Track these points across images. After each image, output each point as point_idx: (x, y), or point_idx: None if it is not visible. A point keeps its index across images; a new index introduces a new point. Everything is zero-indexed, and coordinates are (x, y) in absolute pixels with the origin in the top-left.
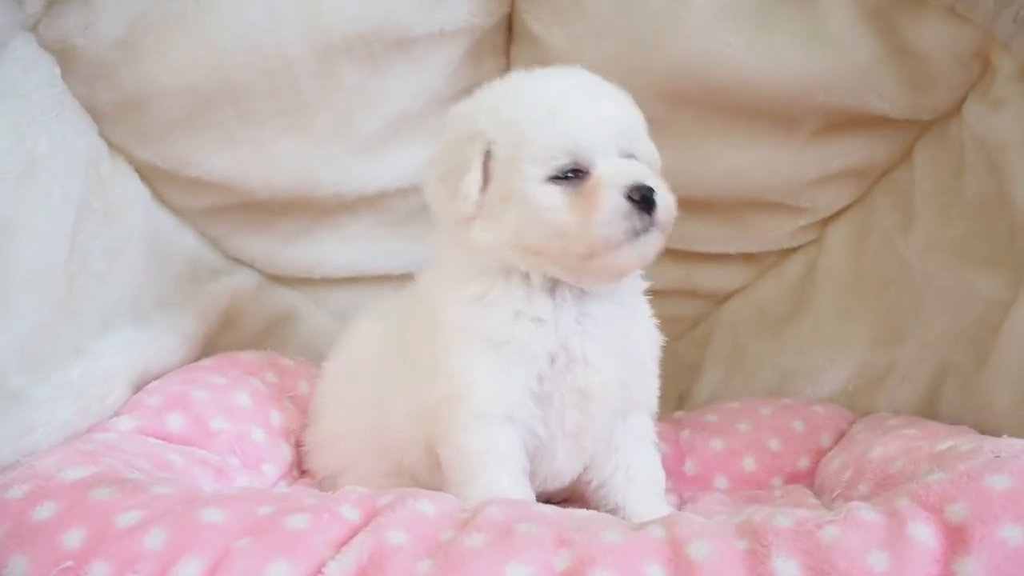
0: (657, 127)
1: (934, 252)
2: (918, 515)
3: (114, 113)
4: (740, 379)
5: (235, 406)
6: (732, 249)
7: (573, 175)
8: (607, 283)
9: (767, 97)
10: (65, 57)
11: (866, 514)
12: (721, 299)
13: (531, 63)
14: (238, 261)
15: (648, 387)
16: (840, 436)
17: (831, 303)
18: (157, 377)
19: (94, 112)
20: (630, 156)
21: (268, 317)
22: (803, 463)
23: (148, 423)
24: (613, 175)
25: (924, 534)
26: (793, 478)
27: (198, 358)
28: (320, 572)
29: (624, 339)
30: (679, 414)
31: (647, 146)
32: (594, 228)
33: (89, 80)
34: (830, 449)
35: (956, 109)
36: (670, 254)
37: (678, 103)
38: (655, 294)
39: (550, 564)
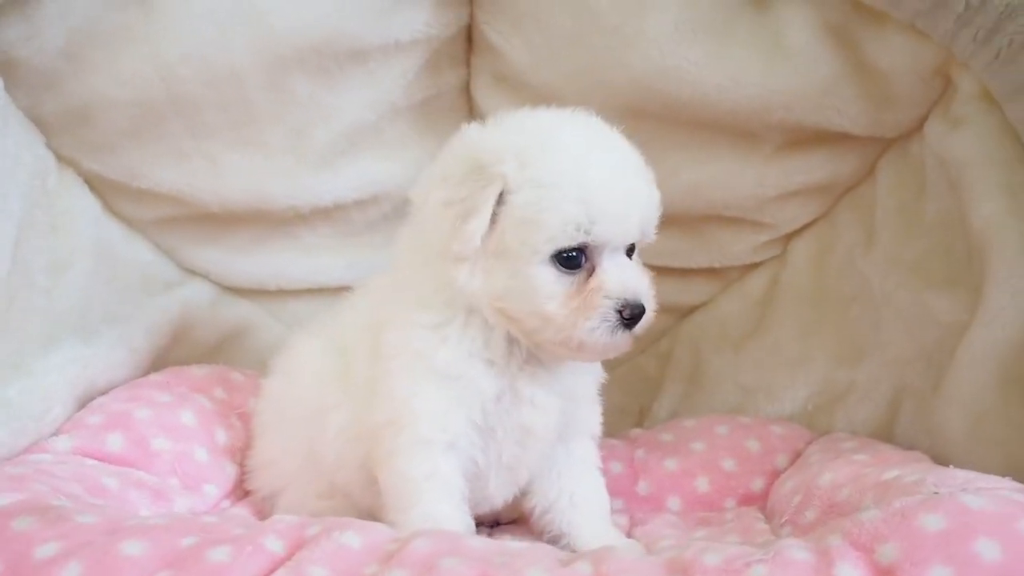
0: None
1: (893, 271)
2: (848, 555)
3: (60, 124)
4: (700, 396)
5: (179, 425)
6: (695, 264)
7: (576, 258)
8: (550, 361)
9: (726, 112)
10: (7, 68)
11: (796, 553)
12: (684, 313)
13: (491, 75)
14: (193, 273)
15: (590, 416)
16: (796, 457)
17: (793, 320)
18: (104, 392)
19: (40, 123)
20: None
21: (223, 329)
22: (757, 484)
23: (87, 443)
24: (615, 284)
25: (851, 575)
26: (747, 500)
27: (147, 372)
28: None
29: (568, 379)
30: (635, 432)
31: (652, 229)
32: (579, 331)
33: (33, 91)
34: (785, 470)
35: (918, 127)
36: None
37: (637, 116)
38: None
39: None
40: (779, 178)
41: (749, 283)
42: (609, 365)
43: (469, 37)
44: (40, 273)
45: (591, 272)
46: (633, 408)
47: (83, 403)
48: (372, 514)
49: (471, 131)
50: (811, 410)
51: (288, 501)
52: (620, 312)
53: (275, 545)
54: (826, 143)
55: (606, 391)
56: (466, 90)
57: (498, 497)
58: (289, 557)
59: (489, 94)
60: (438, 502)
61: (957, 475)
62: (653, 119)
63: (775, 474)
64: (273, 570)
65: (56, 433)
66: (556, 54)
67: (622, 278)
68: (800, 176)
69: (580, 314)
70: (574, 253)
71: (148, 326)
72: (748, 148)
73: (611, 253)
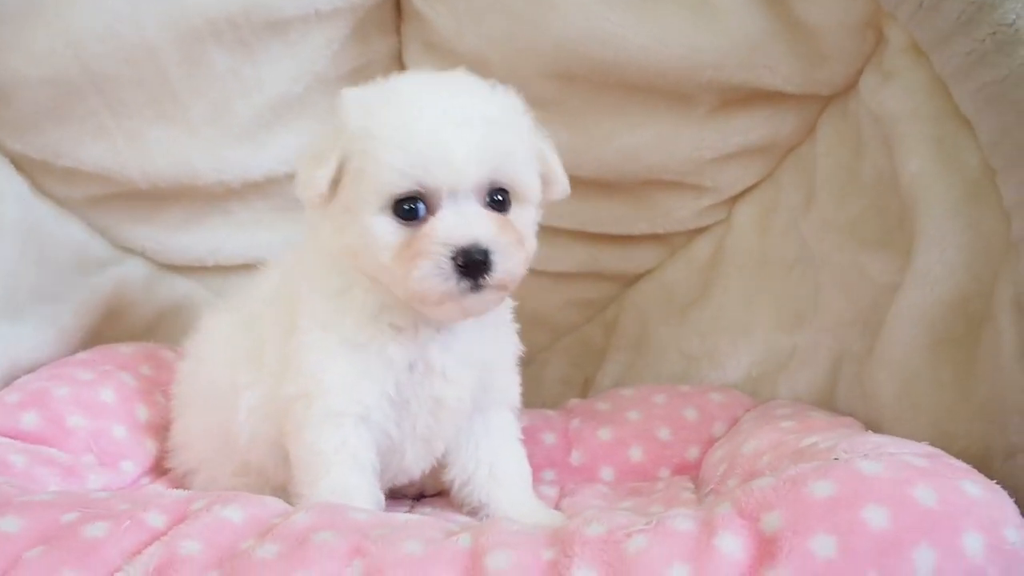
0: (548, 106)
1: (830, 233)
2: (732, 524)
3: None
4: (645, 365)
5: (97, 402)
6: (637, 230)
7: (414, 209)
8: (444, 324)
9: (655, 74)
10: None
11: (679, 523)
12: (629, 281)
13: (421, 43)
14: (128, 251)
15: (508, 387)
16: (734, 424)
17: (736, 285)
18: (29, 371)
19: None
20: (498, 190)
21: (161, 306)
22: (692, 453)
23: (3, 421)
24: (443, 231)
25: (732, 545)
26: (682, 469)
27: (77, 350)
28: None
29: (483, 349)
30: (573, 402)
31: (524, 178)
32: (411, 280)
33: None
34: (721, 438)
35: (854, 83)
36: (576, 236)
37: (567, 82)
38: (562, 277)
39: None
40: (716, 140)
41: (694, 249)
42: (553, 335)
43: (398, 5)
44: None
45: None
46: (577, 379)
47: (6, 382)
48: (287, 491)
49: (349, 92)
50: (755, 377)
51: (203, 479)
52: (454, 260)
53: (156, 520)
54: (762, 103)
55: (549, 362)
56: (398, 59)
57: (415, 468)
58: (168, 531)
59: (420, 63)
60: (347, 474)
61: (869, 440)
62: (583, 83)
63: (711, 442)
64: (149, 544)
65: None
66: (479, 19)
67: (456, 223)
68: (737, 137)
69: (411, 262)
70: (411, 204)
71: (78, 305)
72: (683, 110)
73: (451, 201)
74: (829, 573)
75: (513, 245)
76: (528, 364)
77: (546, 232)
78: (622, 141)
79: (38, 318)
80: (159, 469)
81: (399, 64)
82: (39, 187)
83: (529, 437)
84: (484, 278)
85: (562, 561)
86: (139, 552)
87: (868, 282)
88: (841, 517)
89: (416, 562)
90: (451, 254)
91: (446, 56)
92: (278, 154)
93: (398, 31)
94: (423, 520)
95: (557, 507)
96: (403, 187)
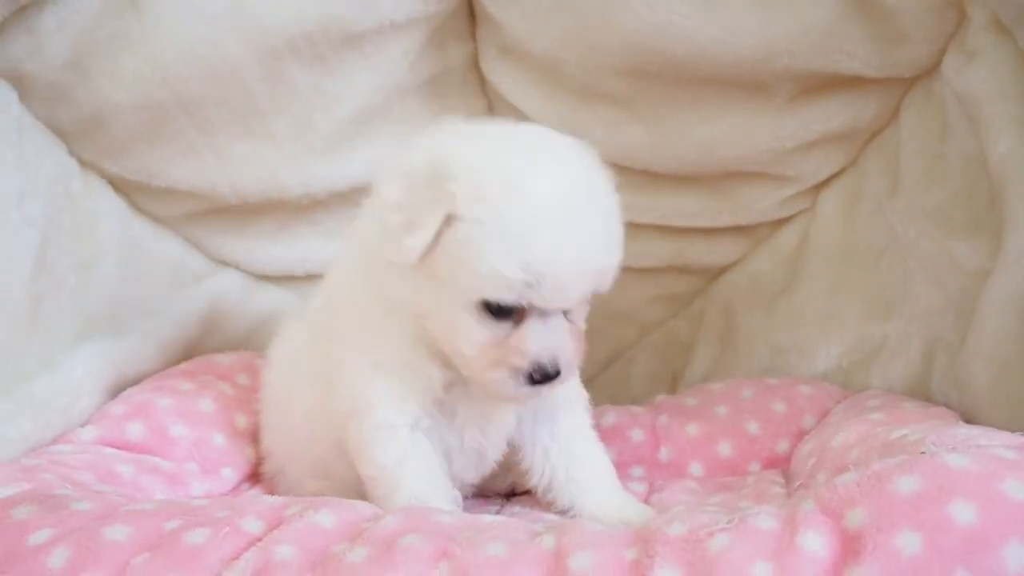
0: (623, 104)
1: (917, 219)
2: (815, 522)
3: (76, 132)
4: (733, 358)
5: (197, 412)
6: (721, 222)
7: (507, 310)
8: None
9: (728, 66)
10: (19, 83)
11: (762, 521)
12: (715, 274)
13: (496, 47)
14: (223, 263)
15: (565, 389)
16: (824, 416)
17: (823, 275)
18: (134, 383)
19: (59, 132)
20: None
21: (255, 316)
22: (782, 447)
23: (109, 432)
24: (536, 348)
25: (816, 543)
26: (771, 463)
27: (178, 362)
28: None
29: None
30: (660, 398)
31: (612, 278)
32: (486, 379)
33: (47, 102)
34: (811, 431)
35: (937, 64)
36: (660, 230)
37: (640, 78)
38: (648, 272)
39: None
40: (796, 129)
41: (779, 239)
42: (640, 331)
43: (471, 10)
44: (68, 273)
45: (518, 322)
46: (665, 374)
47: (113, 395)
48: (362, 493)
49: (447, 129)
50: (846, 367)
51: (287, 483)
52: (531, 374)
53: (253, 526)
54: (842, 88)
55: (637, 359)
56: (475, 64)
57: (466, 476)
58: (263, 537)
59: (496, 67)
60: (417, 483)
61: (960, 432)
62: (655, 79)
63: (801, 435)
64: (246, 549)
65: (84, 424)
66: (548, 20)
67: (546, 343)
68: (818, 125)
69: (493, 365)
70: (505, 307)
71: (178, 318)
72: (759, 101)
73: (539, 313)
74: (915, 570)
75: (579, 351)
76: (615, 361)
77: (630, 228)
78: (699, 135)
79: (140, 332)
80: (257, 475)
81: (476, 69)
82: (136, 206)
83: (617, 434)
84: (550, 385)
85: (644, 561)
86: (237, 557)
87: (958, 269)
88: (927, 513)
89: (501, 564)
90: (531, 369)
91: (521, 59)
92: (361, 166)
93: (473, 37)
94: (507, 522)
95: (646, 503)
96: (505, 299)
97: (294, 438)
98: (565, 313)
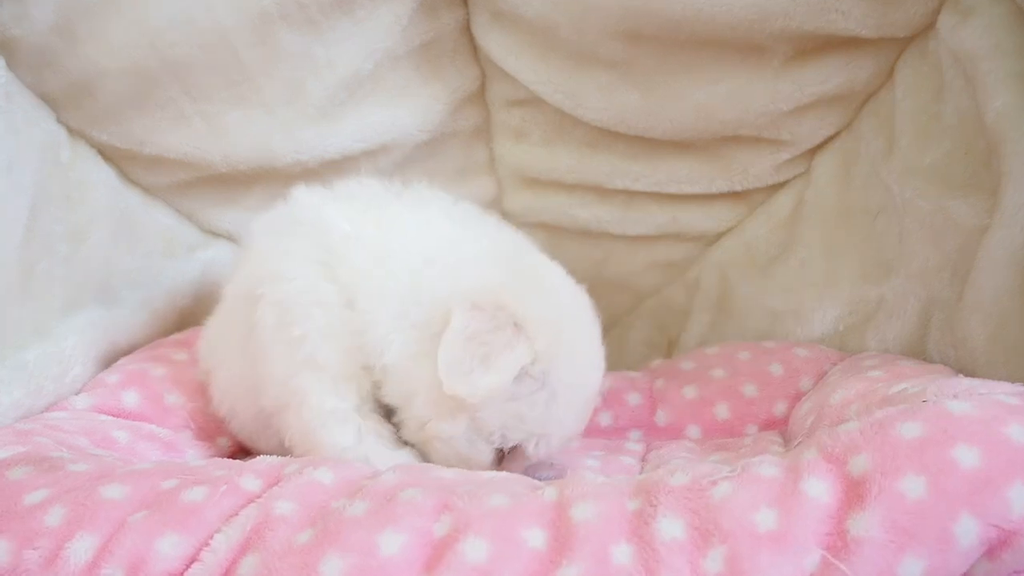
0: (618, 68)
1: (913, 179)
2: (818, 468)
3: (65, 99)
4: (729, 323)
5: (193, 381)
6: (716, 188)
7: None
8: None
9: (725, 27)
10: (5, 48)
11: (764, 469)
12: (710, 241)
13: (489, 12)
14: (214, 234)
15: None
16: (821, 379)
17: (819, 238)
18: (127, 353)
19: (47, 99)
20: None
21: None
22: (779, 408)
23: (103, 400)
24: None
25: (819, 489)
26: (769, 424)
27: (171, 332)
28: (208, 544)
29: None
30: (656, 363)
31: None
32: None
33: (35, 68)
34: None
35: (932, 23)
36: (654, 197)
37: (636, 41)
38: (642, 239)
39: (429, 531)
40: (792, 91)
41: (775, 204)
42: (636, 299)
43: None
44: (59, 242)
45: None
46: (661, 341)
47: (107, 364)
48: None
49: (534, 304)
50: (842, 331)
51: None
52: None
53: (252, 484)
54: (837, 49)
55: (633, 326)
56: (467, 30)
57: None
58: (263, 494)
59: (489, 32)
60: (385, 455)
61: (961, 383)
62: (652, 42)
63: (798, 397)
64: (245, 506)
65: (78, 392)
66: None
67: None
68: (814, 87)
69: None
70: None
71: (170, 289)
72: (756, 63)
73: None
74: (920, 513)
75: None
76: (611, 328)
77: (624, 195)
78: (695, 98)
79: (132, 302)
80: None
81: (468, 35)
82: (126, 176)
83: (614, 398)
84: None
85: (647, 510)
86: (236, 514)
87: (955, 227)
88: (930, 457)
89: (503, 515)
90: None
91: (515, 23)
92: (354, 132)
93: (465, 2)
94: (508, 476)
95: (644, 459)
96: (520, 440)
97: (219, 409)
98: None
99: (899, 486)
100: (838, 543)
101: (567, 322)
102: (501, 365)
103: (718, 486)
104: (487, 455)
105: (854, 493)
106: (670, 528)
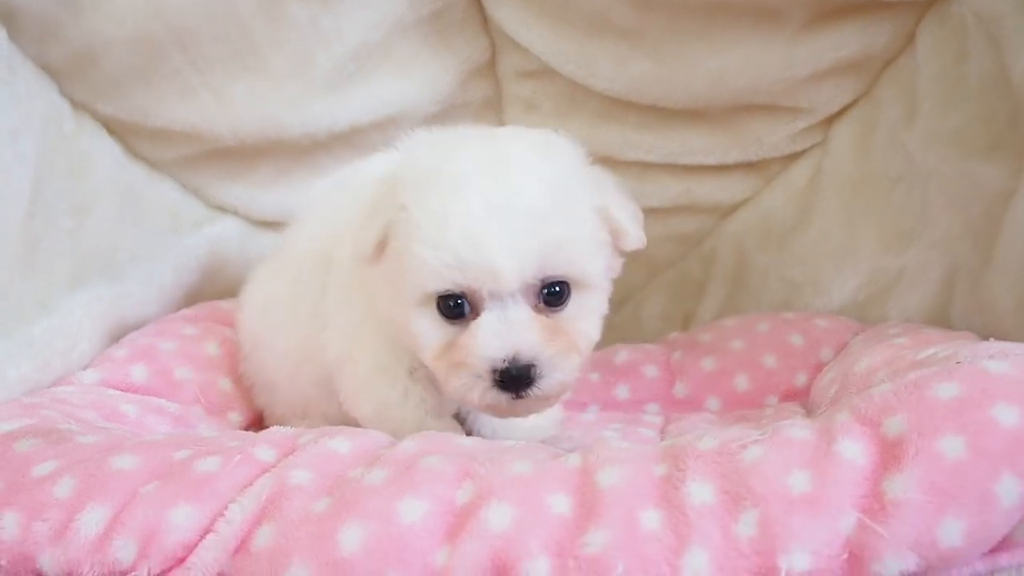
0: (631, 36)
1: (936, 144)
2: (852, 430)
3: (68, 70)
4: (746, 296)
5: (202, 355)
6: (731, 159)
7: (459, 306)
8: None
9: None
10: (8, 18)
11: (796, 432)
12: (725, 212)
13: None
14: (221, 210)
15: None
16: (842, 349)
17: (837, 208)
18: (134, 328)
19: (50, 70)
20: (553, 283)
21: (255, 263)
22: (800, 379)
23: (112, 375)
24: (481, 343)
25: (854, 450)
26: (789, 395)
27: (179, 308)
28: (222, 514)
29: None
30: (674, 335)
31: (583, 266)
32: (451, 388)
33: (37, 39)
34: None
35: None
36: (667, 169)
37: (647, 9)
38: (656, 212)
39: (451, 498)
40: (809, 57)
41: (791, 174)
42: (650, 272)
43: None
44: (63, 216)
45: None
46: (677, 314)
47: (114, 339)
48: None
49: (415, 145)
50: (862, 301)
51: (269, 420)
52: (493, 373)
53: (266, 454)
54: (855, 15)
55: (648, 299)
56: (476, 0)
57: None
58: (277, 464)
59: (499, 2)
60: (424, 420)
61: (992, 345)
62: (664, 9)
63: (819, 368)
64: (259, 476)
65: (85, 367)
66: None
67: (496, 332)
68: (831, 53)
69: (451, 369)
70: (453, 300)
71: (176, 264)
72: (771, 28)
73: (496, 302)
74: (959, 473)
75: (562, 354)
76: (626, 302)
77: (637, 167)
78: (710, 66)
79: (139, 278)
80: (262, 422)
81: (477, 5)
82: (131, 150)
83: (630, 371)
84: (527, 392)
85: (675, 475)
86: (251, 484)
87: (980, 191)
88: (969, 417)
89: (526, 481)
90: (490, 368)
91: None
92: (363, 103)
93: None
94: (529, 444)
95: (663, 432)
96: (438, 287)
97: (274, 376)
98: (551, 308)
99: (937, 447)
100: (874, 505)
101: (438, 155)
102: (373, 220)
103: (748, 450)
104: (433, 327)
105: (890, 455)
106: (700, 492)
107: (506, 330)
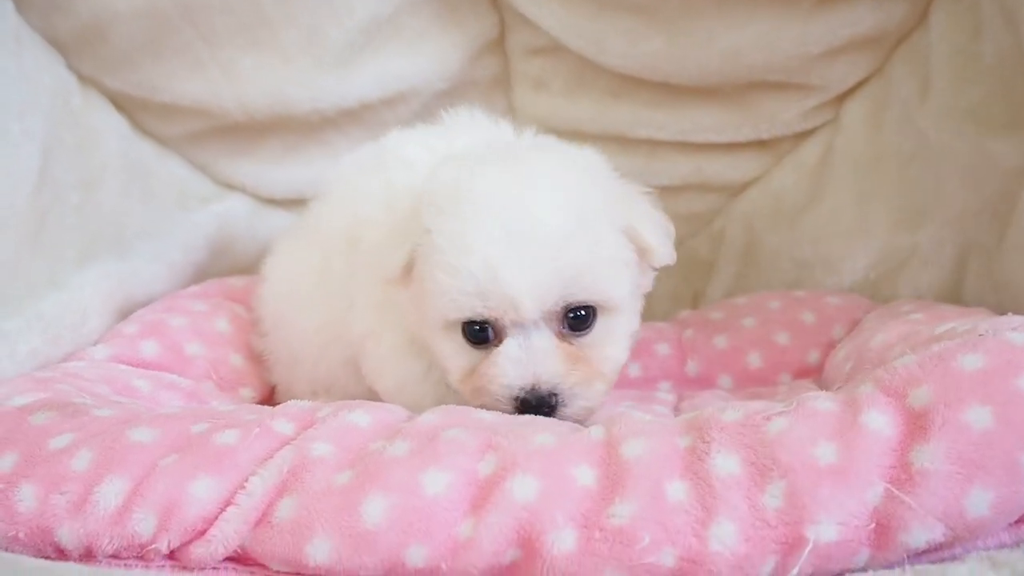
0: (644, 12)
1: (950, 121)
2: (877, 402)
3: (76, 43)
4: (756, 275)
5: (213, 331)
6: (742, 137)
7: (483, 331)
8: None
9: None
10: None
11: (821, 404)
12: (735, 191)
13: None
14: (230, 187)
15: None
16: (854, 327)
17: (849, 186)
18: (144, 305)
19: (57, 44)
20: (577, 309)
21: (263, 240)
22: (813, 357)
23: (122, 350)
24: (502, 371)
25: (880, 422)
26: (802, 373)
27: (187, 285)
28: (243, 487)
29: None
30: (684, 314)
31: (606, 291)
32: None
33: (44, 12)
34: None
35: None
36: (677, 147)
37: None
38: (666, 190)
39: (474, 470)
40: (823, 34)
41: (802, 152)
42: None
43: None
44: (71, 191)
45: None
46: (686, 294)
47: (124, 315)
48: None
49: (440, 172)
50: (873, 279)
51: (283, 395)
52: (514, 401)
53: (285, 427)
54: None
55: (658, 278)
56: None
57: None
58: (296, 437)
59: None
60: (444, 395)
61: (1013, 319)
62: None
63: (832, 345)
64: (279, 449)
65: (95, 343)
66: None
67: (517, 362)
68: (846, 29)
69: (476, 396)
70: (478, 326)
71: (184, 241)
72: (786, 4)
73: (518, 329)
74: (987, 443)
75: (584, 383)
76: None
77: (647, 145)
78: (723, 42)
79: (147, 254)
80: (274, 398)
81: None
82: (139, 126)
83: (642, 349)
84: (552, 414)
85: (699, 447)
86: (270, 457)
87: (995, 168)
88: (995, 387)
89: (550, 453)
90: (510, 396)
91: None
92: (373, 79)
93: None
94: (548, 419)
95: (676, 409)
96: (460, 316)
97: (299, 354)
98: (576, 332)
99: (964, 417)
100: (902, 476)
101: (465, 175)
102: (399, 247)
103: (773, 421)
104: (458, 352)
105: (916, 425)
106: (725, 464)
107: (527, 359)
